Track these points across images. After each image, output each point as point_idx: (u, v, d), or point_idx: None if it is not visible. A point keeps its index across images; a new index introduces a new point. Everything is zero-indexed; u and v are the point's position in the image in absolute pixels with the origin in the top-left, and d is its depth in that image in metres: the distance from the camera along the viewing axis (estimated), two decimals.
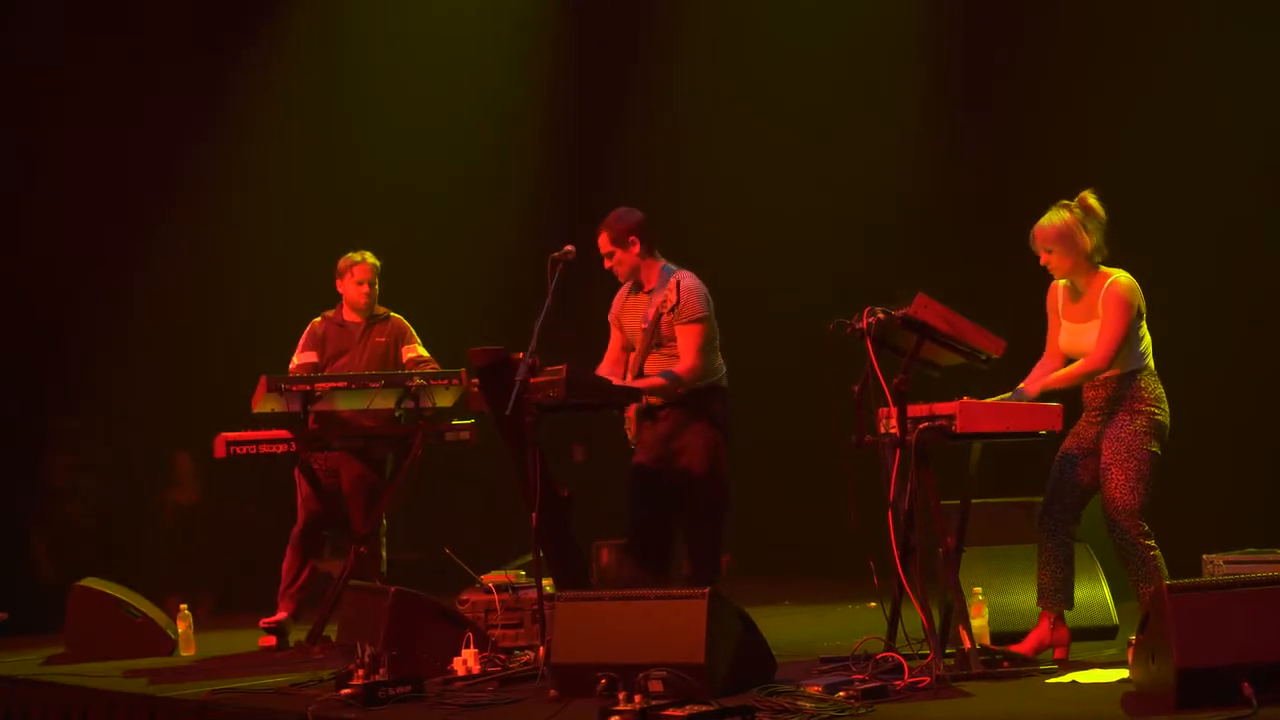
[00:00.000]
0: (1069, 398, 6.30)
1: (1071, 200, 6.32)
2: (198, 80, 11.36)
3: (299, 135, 11.72)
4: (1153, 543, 6.20)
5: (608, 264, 7.12)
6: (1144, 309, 6.30)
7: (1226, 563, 7.33)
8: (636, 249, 7.04)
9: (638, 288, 7.13)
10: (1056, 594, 6.43)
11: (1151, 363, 6.33)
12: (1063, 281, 6.44)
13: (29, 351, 11.13)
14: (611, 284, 7.33)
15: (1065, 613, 6.45)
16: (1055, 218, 6.31)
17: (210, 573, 11.29)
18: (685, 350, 6.91)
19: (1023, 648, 6.37)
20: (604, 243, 7.09)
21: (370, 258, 8.42)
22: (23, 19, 11.16)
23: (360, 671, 5.99)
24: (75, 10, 11.16)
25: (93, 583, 8.37)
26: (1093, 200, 6.31)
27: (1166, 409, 6.31)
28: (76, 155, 11.09)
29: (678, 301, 6.92)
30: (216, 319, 11.47)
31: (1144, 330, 6.32)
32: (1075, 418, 6.41)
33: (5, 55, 11.14)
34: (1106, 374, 6.27)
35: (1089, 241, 6.27)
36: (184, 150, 11.34)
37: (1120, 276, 6.29)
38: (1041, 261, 6.36)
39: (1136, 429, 6.25)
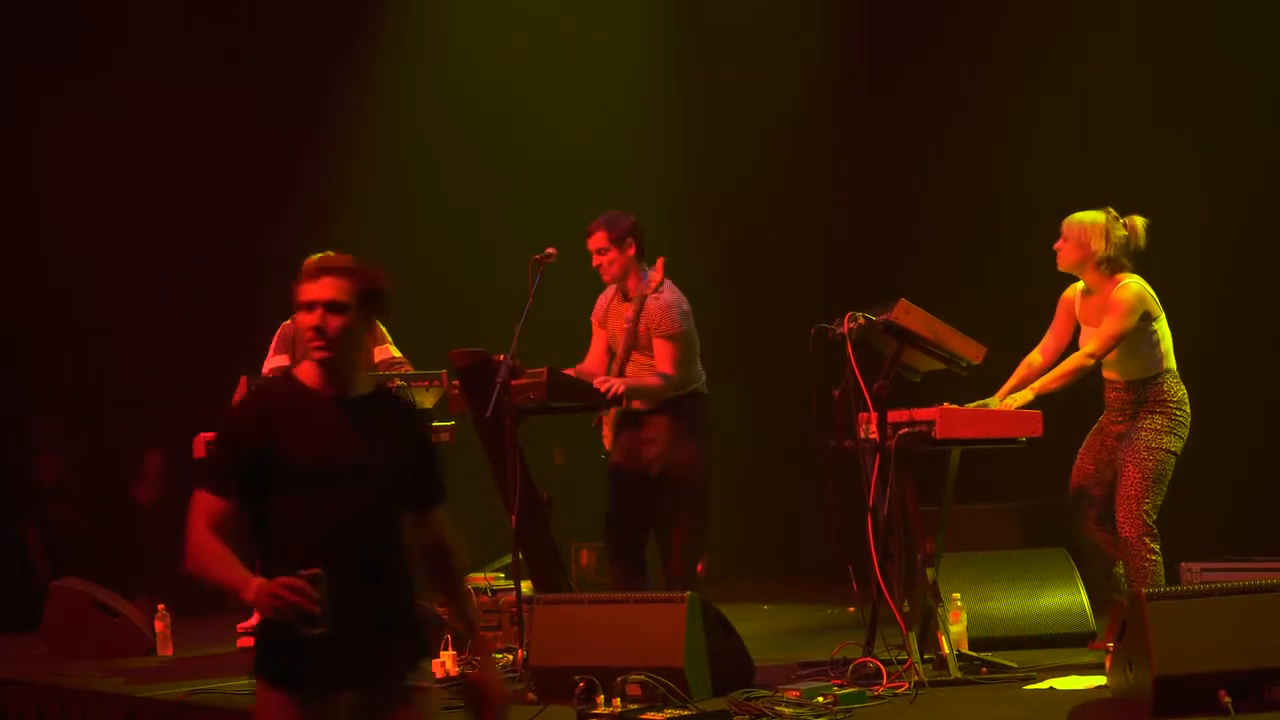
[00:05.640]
0: (1083, 399, 6.31)
1: (1123, 214, 6.37)
2: (190, 78, 11.31)
3: (283, 133, 11.66)
4: (1156, 546, 6.20)
5: (598, 261, 6.98)
6: (1155, 312, 6.32)
7: (1204, 571, 7.36)
8: (633, 251, 6.95)
9: (623, 291, 7.09)
10: (1107, 581, 6.46)
11: (1173, 364, 6.35)
12: (1080, 285, 6.47)
13: (16, 352, 11.10)
14: (596, 286, 7.32)
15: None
16: (1087, 214, 6.38)
17: (173, 572, 11.23)
18: (662, 363, 6.88)
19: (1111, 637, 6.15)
20: (600, 240, 6.94)
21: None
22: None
23: None
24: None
25: (71, 582, 8.33)
26: (1138, 224, 6.36)
27: (1188, 410, 6.33)
28: (66, 161, 11.04)
29: (658, 316, 6.87)
30: (200, 318, 11.42)
31: (1164, 332, 6.34)
32: (1095, 417, 6.44)
33: (5, 54, 11.12)
34: (1129, 377, 6.30)
35: (1101, 249, 6.31)
36: (171, 154, 11.28)
37: (1130, 281, 6.31)
38: (1054, 246, 6.42)
39: (1155, 427, 6.27)
